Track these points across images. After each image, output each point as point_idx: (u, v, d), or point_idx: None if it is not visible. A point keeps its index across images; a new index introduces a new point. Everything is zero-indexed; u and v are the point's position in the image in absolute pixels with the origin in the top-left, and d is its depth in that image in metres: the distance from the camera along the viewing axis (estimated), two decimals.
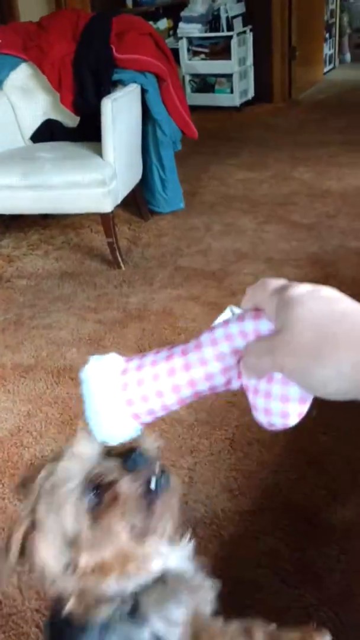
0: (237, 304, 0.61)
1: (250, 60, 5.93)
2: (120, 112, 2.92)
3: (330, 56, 7.42)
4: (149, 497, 0.71)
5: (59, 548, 0.70)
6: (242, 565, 1.50)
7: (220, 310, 0.62)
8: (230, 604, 1.40)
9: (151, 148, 3.48)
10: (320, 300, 0.49)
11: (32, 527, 0.71)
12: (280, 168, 4.29)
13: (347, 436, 1.86)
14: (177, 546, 0.84)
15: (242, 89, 5.92)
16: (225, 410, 2.01)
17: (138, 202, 3.55)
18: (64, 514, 0.69)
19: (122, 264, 3.09)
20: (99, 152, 2.96)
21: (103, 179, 2.87)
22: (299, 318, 0.48)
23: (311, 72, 6.61)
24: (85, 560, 0.70)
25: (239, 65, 5.73)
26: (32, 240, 3.50)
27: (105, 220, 3.02)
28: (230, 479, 1.77)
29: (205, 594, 0.88)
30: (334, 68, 7.55)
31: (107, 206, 2.95)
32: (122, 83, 3.16)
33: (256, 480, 1.75)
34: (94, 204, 2.96)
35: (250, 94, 6.07)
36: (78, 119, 3.44)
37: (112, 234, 3.03)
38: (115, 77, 3.19)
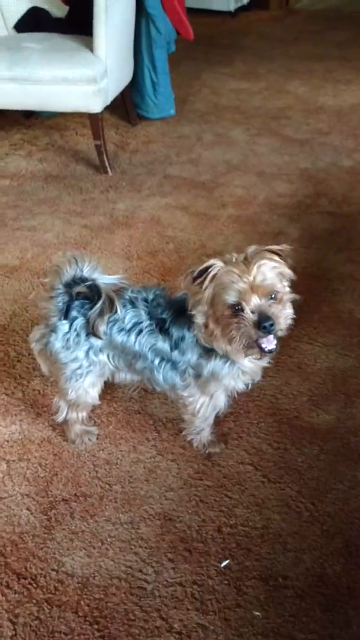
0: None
1: None
2: (115, 2, 2.72)
3: None
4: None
5: (207, 305, 1.25)
6: (226, 462, 1.56)
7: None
8: (214, 496, 1.48)
9: (144, 47, 3.28)
10: None
11: (212, 280, 1.24)
12: (274, 80, 4.13)
13: (330, 346, 1.91)
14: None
15: None
16: None
17: (127, 106, 3.39)
18: (226, 291, 1.21)
19: (109, 169, 2.99)
20: (90, 46, 2.78)
21: (94, 75, 2.72)
22: None
23: None
24: (210, 323, 1.28)
25: None
26: (15, 139, 3.35)
27: (94, 121, 2.88)
28: None
29: None
30: None
31: (96, 106, 2.81)
32: None
33: None
34: (83, 102, 2.81)
35: None
36: (67, 8, 3.22)
37: (101, 137, 2.91)
38: None
